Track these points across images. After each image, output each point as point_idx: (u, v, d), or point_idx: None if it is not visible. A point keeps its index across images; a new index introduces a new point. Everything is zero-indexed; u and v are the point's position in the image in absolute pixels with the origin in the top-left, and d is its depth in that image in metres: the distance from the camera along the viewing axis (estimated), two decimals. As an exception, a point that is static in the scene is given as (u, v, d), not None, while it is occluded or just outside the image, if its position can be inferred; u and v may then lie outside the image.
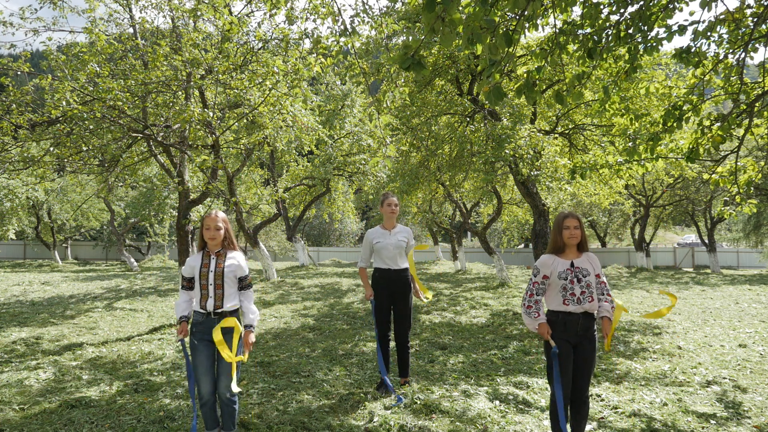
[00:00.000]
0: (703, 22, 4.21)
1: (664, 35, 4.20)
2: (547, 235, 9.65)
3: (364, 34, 7.36)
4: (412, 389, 4.53)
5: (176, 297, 10.71)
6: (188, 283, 3.38)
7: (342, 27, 5.66)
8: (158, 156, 8.53)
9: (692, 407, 4.22)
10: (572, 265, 3.28)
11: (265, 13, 7.05)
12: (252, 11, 7.95)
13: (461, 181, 13.04)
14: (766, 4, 4.10)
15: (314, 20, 6.31)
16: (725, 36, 4.56)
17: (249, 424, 3.78)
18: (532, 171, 8.68)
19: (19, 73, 6.69)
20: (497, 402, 4.31)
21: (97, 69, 6.62)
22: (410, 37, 7.59)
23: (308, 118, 8.77)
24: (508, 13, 3.39)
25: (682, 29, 4.19)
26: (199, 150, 8.45)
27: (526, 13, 2.77)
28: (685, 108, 4.64)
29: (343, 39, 5.72)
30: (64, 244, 27.32)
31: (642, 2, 3.91)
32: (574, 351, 3.28)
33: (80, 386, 4.73)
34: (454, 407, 4.13)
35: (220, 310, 3.32)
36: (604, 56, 4.11)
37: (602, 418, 4.01)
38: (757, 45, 4.29)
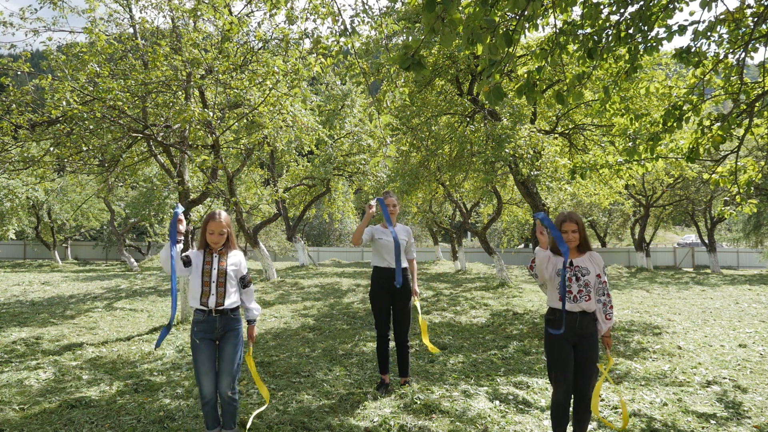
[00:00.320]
0: (703, 22, 4.21)
1: (664, 35, 4.20)
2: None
3: (364, 34, 7.36)
4: (412, 389, 4.53)
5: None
6: (185, 259, 3.36)
7: (342, 27, 5.66)
8: (158, 156, 8.53)
9: (692, 407, 4.22)
10: (571, 264, 3.28)
11: (265, 13, 7.05)
12: (252, 11, 7.95)
13: (461, 181, 13.04)
14: (766, 4, 4.10)
15: (314, 20, 6.32)
16: (725, 36, 4.56)
17: (249, 424, 3.78)
18: (532, 171, 8.68)
19: (19, 73, 6.69)
20: (497, 402, 4.31)
21: (97, 69, 6.62)
22: (410, 37, 7.60)
23: (308, 118, 8.77)
24: (508, 13, 3.39)
25: (682, 29, 4.19)
26: (199, 150, 8.45)
27: (526, 13, 2.77)
28: (685, 108, 4.63)
29: (343, 39, 5.72)
30: (64, 244, 27.32)
31: (642, 2, 3.91)
32: (574, 350, 3.28)
33: (80, 386, 4.73)
34: (454, 407, 4.13)
35: (221, 308, 3.33)
36: (605, 56, 4.11)
37: (602, 418, 4.01)
38: (757, 45, 4.29)
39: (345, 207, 18.57)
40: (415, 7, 8.10)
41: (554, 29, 3.89)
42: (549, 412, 4.06)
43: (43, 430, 3.73)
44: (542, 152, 8.99)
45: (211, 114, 6.86)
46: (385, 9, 8.39)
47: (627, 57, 4.36)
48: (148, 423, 3.85)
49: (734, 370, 5.38)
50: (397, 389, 4.59)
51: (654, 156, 5.06)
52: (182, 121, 6.62)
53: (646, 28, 4.00)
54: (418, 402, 4.22)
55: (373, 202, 4.49)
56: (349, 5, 6.32)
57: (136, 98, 6.86)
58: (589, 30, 4.04)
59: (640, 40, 4.17)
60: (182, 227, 3.35)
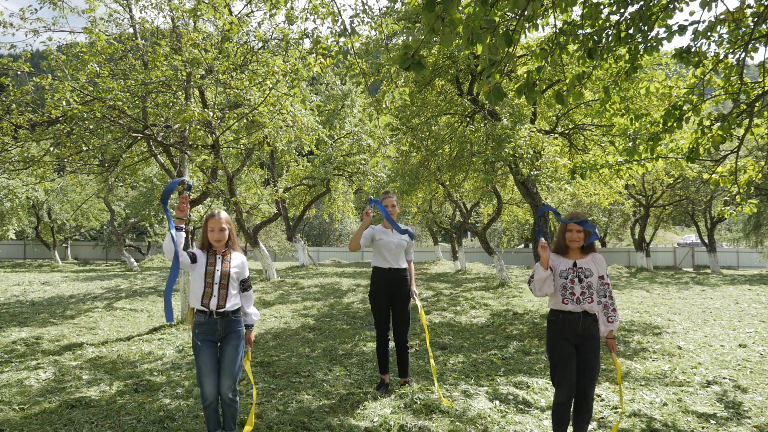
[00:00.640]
0: (703, 22, 4.21)
1: (664, 35, 4.20)
2: (547, 235, 9.66)
3: (364, 35, 7.37)
4: (411, 389, 4.53)
5: (176, 297, 10.70)
6: (191, 255, 3.36)
7: (342, 27, 5.66)
8: (158, 156, 8.53)
9: (692, 407, 4.22)
10: (575, 264, 3.28)
11: (265, 13, 7.05)
12: (252, 11, 7.95)
13: (461, 181, 13.04)
14: (766, 4, 4.10)
15: (314, 20, 6.32)
16: (725, 36, 4.56)
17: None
18: (532, 171, 8.68)
19: (19, 73, 6.69)
20: (497, 402, 4.31)
21: (97, 69, 6.62)
22: (410, 37, 7.59)
23: (308, 118, 8.77)
24: (508, 13, 3.39)
25: (682, 29, 4.19)
26: (199, 150, 8.45)
27: (526, 13, 2.77)
28: (685, 108, 4.63)
29: (342, 39, 5.72)
30: (64, 244, 27.31)
31: (642, 2, 3.91)
32: (576, 351, 3.28)
33: (80, 386, 4.73)
34: (454, 407, 4.13)
35: (222, 310, 3.33)
36: (605, 56, 4.11)
37: (602, 418, 4.01)
38: (757, 45, 4.29)
39: (345, 207, 18.57)
40: (415, 7, 8.10)
41: (554, 29, 3.89)
42: (549, 412, 4.06)
43: (43, 430, 3.73)
44: (542, 152, 8.99)
45: (211, 114, 6.86)
46: (385, 9, 8.39)
47: (627, 57, 4.36)
48: (148, 423, 3.85)
49: (734, 370, 5.38)
50: (397, 389, 4.59)
51: (654, 156, 5.06)
52: (182, 121, 6.62)
53: (646, 28, 4.00)
54: (418, 402, 4.22)
55: (369, 207, 4.42)
56: (349, 5, 6.33)
57: (136, 98, 6.86)
58: (589, 30, 4.04)
59: (640, 40, 4.17)
60: (184, 208, 3.29)
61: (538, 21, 3.92)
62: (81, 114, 6.31)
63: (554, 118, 12.43)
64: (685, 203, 21.59)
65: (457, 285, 13.18)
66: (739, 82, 4.46)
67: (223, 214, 3.41)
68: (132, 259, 20.72)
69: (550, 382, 3.36)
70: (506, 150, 8.37)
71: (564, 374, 3.23)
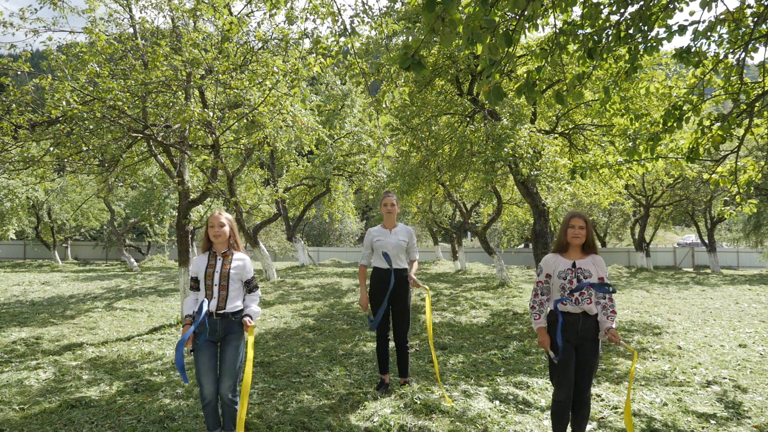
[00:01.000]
0: (703, 22, 4.21)
1: (664, 35, 4.20)
2: (547, 235, 9.66)
3: (364, 35, 7.37)
4: (411, 389, 4.53)
5: (176, 297, 10.72)
6: (195, 283, 3.39)
7: (342, 27, 5.66)
8: (158, 156, 8.53)
9: (692, 407, 4.22)
10: (574, 265, 3.27)
11: (265, 13, 7.05)
12: (252, 11, 7.95)
13: (461, 181, 13.04)
14: (766, 4, 4.10)
15: (314, 20, 6.31)
16: (725, 36, 4.56)
17: (249, 424, 3.78)
18: (532, 171, 8.68)
19: (19, 73, 6.69)
20: (497, 402, 4.31)
21: (97, 69, 6.61)
22: (410, 37, 7.60)
23: (308, 118, 8.77)
24: (508, 13, 3.39)
25: (682, 29, 4.19)
26: (199, 150, 8.45)
27: (526, 13, 2.77)
28: (685, 108, 4.63)
29: (342, 39, 5.72)
30: (64, 244, 27.31)
31: (642, 2, 3.91)
32: (575, 352, 3.27)
33: (80, 386, 4.73)
34: (454, 407, 4.13)
35: (222, 312, 3.32)
36: (605, 56, 4.11)
37: (602, 418, 4.01)
38: (757, 45, 4.29)
39: (345, 207, 18.57)
40: (415, 7, 8.10)
41: (554, 29, 3.89)
42: (549, 412, 4.06)
43: (43, 430, 3.73)
44: (542, 152, 8.99)
45: (211, 114, 6.86)
46: (385, 9, 8.39)
47: (627, 57, 4.36)
48: (148, 423, 3.85)
49: (734, 370, 5.38)
50: (397, 389, 4.59)
51: (654, 156, 5.06)
52: (182, 121, 6.62)
53: (646, 28, 4.00)
54: (418, 402, 4.22)
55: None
56: (349, 5, 6.32)
57: (136, 98, 6.86)
58: (589, 30, 4.04)
59: (640, 40, 4.17)
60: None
61: (538, 21, 3.92)
62: (81, 114, 6.30)
63: (554, 118, 12.43)
64: (685, 203, 21.59)
65: (457, 285, 13.18)
66: (739, 82, 4.46)
67: (225, 213, 3.43)
68: (132, 259, 20.73)
69: (550, 382, 3.36)
70: (506, 150, 8.37)
71: (563, 374, 3.23)
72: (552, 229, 10.45)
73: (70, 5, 7.52)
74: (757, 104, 4.50)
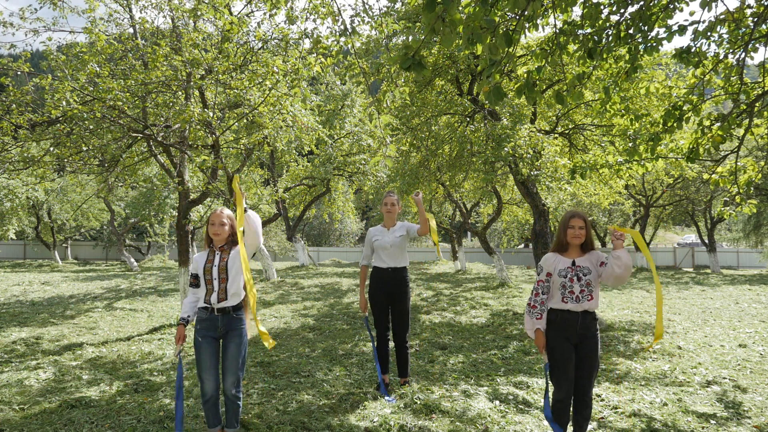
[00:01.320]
0: (703, 22, 4.21)
1: (665, 35, 4.20)
2: (547, 235, 9.66)
3: (364, 34, 7.36)
4: (411, 389, 4.53)
5: (176, 297, 10.71)
6: (194, 280, 3.39)
7: (342, 27, 5.65)
8: (158, 156, 8.53)
9: (692, 407, 4.22)
10: (573, 263, 3.27)
11: (265, 13, 7.05)
12: (252, 11, 7.94)
13: (461, 181, 13.03)
14: (766, 4, 4.10)
15: (314, 20, 6.31)
16: (725, 36, 4.56)
17: (249, 424, 3.78)
18: (532, 171, 8.67)
19: (19, 73, 6.69)
20: (497, 402, 4.31)
21: (97, 69, 6.61)
22: (410, 37, 7.58)
23: (308, 118, 8.76)
24: (508, 13, 3.39)
25: (682, 29, 4.19)
26: (199, 150, 8.45)
27: (526, 13, 2.77)
28: (685, 108, 4.63)
29: (343, 39, 5.72)
30: (64, 244, 27.31)
31: (642, 2, 3.90)
32: (575, 350, 3.28)
33: (80, 386, 4.73)
34: (454, 407, 4.13)
35: (223, 305, 3.33)
36: (605, 56, 4.10)
37: (602, 418, 4.01)
38: (757, 45, 4.28)
39: (345, 207, 18.57)
40: (415, 7, 8.10)
41: (554, 29, 3.88)
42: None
43: (43, 430, 3.73)
44: (542, 152, 8.99)
45: (211, 114, 6.86)
46: (385, 9, 8.39)
47: (627, 57, 4.36)
48: (148, 423, 3.85)
49: (734, 370, 5.38)
50: (397, 389, 4.59)
51: (654, 156, 5.06)
52: (182, 121, 6.62)
53: (646, 28, 4.00)
54: (418, 402, 4.22)
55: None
56: (349, 5, 6.32)
57: (136, 98, 6.85)
58: (589, 30, 4.03)
59: (640, 40, 4.17)
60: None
61: (538, 21, 3.92)
62: (81, 114, 6.30)
63: (554, 118, 12.42)
64: (685, 203, 21.58)
65: (457, 285, 13.18)
66: (739, 82, 4.46)
67: (226, 211, 3.42)
68: (132, 259, 20.72)
69: (550, 382, 3.36)
70: (506, 150, 8.36)
71: (563, 373, 3.23)
72: (552, 229, 10.45)
73: (70, 5, 7.51)
74: (757, 104, 4.50)
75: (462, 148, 9.91)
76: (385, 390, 4.49)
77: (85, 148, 7.69)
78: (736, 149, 5.03)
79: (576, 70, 5.54)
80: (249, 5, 7.60)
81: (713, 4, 3.75)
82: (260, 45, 7.32)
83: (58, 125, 6.99)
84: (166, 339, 6.83)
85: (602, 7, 3.95)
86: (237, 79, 7.03)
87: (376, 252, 4.63)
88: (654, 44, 4.22)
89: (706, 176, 5.72)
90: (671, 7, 4.04)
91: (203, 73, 7.05)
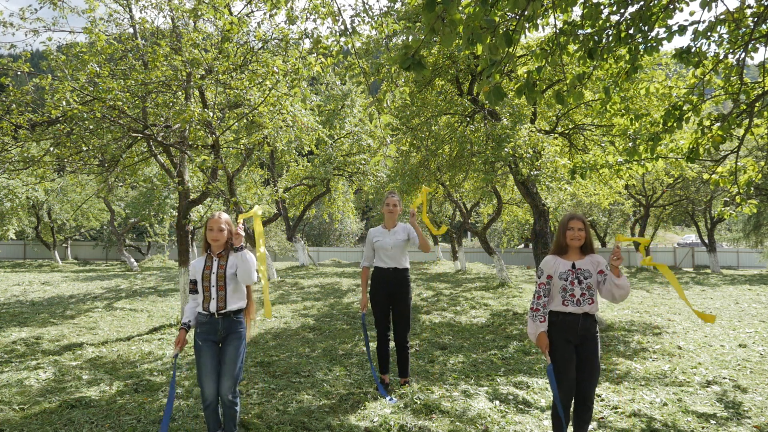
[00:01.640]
0: (703, 22, 4.21)
1: (665, 35, 4.20)
2: (547, 235, 9.66)
3: (364, 34, 7.36)
4: (412, 389, 4.53)
5: (176, 297, 10.72)
6: (193, 286, 3.39)
7: (342, 27, 5.65)
8: (158, 156, 8.53)
9: (692, 407, 4.22)
10: (573, 266, 3.27)
11: (265, 13, 7.05)
12: (252, 11, 7.95)
13: (461, 181, 13.03)
14: (766, 4, 4.10)
15: (314, 20, 6.31)
16: (725, 36, 4.55)
17: (249, 424, 3.78)
18: (532, 171, 8.67)
19: (19, 73, 6.69)
20: (497, 402, 4.31)
21: (97, 69, 6.61)
22: (410, 37, 7.58)
23: (308, 118, 8.77)
24: (508, 13, 3.39)
25: (682, 29, 4.19)
26: (199, 150, 8.45)
27: (526, 13, 2.77)
28: (685, 108, 4.63)
29: (343, 39, 5.71)
30: (64, 244, 27.31)
31: (642, 2, 3.90)
32: (576, 352, 3.27)
33: (80, 386, 4.73)
34: (454, 407, 4.13)
35: (223, 311, 3.32)
36: (605, 56, 4.10)
37: (602, 418, 4.01)
38: (757, 45, 4.28)
39: (345, 207, 18.57)
40: (415, 7, 8.10)
41: (554, 29, 3.88)
42: (549, 412, 4.06)
43: (43, 430, 3.73)
44: (542, 152, 8.99)
45: (211, 114, 6.86)
46: (385, 9, 8.39)
47: (627, 57, 4.36)
48: (148, 423, 3.85)
49: (734, 370, 5.38)
50: (397, 389, 4.59)
51: (654, 156, 5.06)
52: (182, 121, 6.62)
53: (646, 28, 4.00)
54: (418, 402, 4.22)
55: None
56: (349, 5, 6.32)
57: (136, 98, 6.85)
58: (589, 30, 4.03)
59: (640, 40, 4.17)
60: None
61: (538, 21, 3.92)
62: (81, 114, 6.30)
63: (554, 118, 12.43)
64: (685, 203, 21.59)
65: (457, 285, 13.18)
66: (739, 82, 4.46)
67: (224, 215, 3.40)
68: (132, 259, 20.72)
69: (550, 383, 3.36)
70: (506, 150, 8.36)
71: (564, 373, 3.23)
72: (552, 229, 10.45)
73: (70, 5, 7.51)
74: (757, 104, 4.50)
75: (462, 148, 9.91)
76: (384, 390, 4.49)
77: (85, 148, 7.70)
78: (736, 149, 5.03)
79: (576, 70, 5.54)
80: (249, 5, 7.60)
81: (713, 4, 3.75)
82: (260, 45, 7.32)
83: (58, 125, 6.99)
84: (166, 339, 6.83)
85: (602, 7, 3.95)
86: (237, 79, 7.03)
87: (377, 252, 4.64)
88: (654, 44, 4.21)
89: (706, 176, 5.72)
90: (671, 7, 4.04)
91: (203, 73, 7.06)
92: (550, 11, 3.92)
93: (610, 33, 3.96)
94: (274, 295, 11.00)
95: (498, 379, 4.94)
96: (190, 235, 7.98)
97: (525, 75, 3.42)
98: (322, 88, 16.51)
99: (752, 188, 5.22)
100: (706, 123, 4.67)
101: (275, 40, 7.25)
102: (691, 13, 4.48)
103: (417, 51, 2.57)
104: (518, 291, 11.50)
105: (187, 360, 5.67)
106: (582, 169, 5.95)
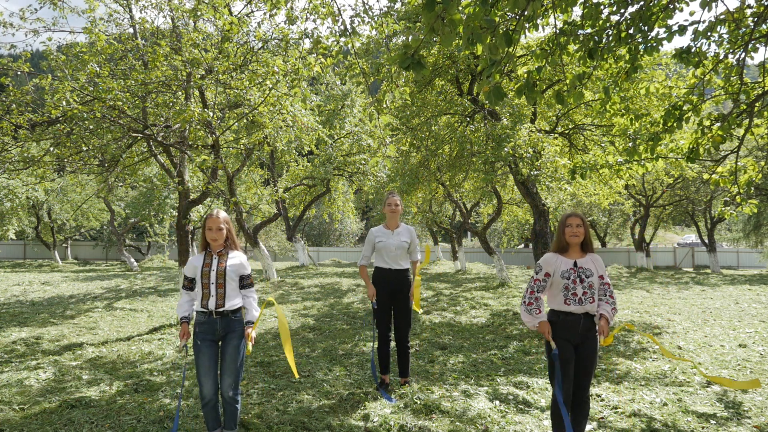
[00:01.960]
0: (703, 22, 4.22)
1: (665, 35, 4.20)
2: (547, 235, 9.66)
3: (364, 34, 7.36)
4: (412, 389, 4.53)
5: (176, 297, 10.72)
6: (189, 283, 3.40)
7: (342, 27, 5.65)
8: (158, 156, 8.53)
9: (692, 407, 4.22)
10: (575, 264, 3.27)
11: (265, 13, 7.05)
12: (252, 11, 7.95)
13: (461, 181, 13.04)
14: (766, 4, 4.10)
15: (314, 20, 6.31)
16: (725, 36, 4.56)
17: (249, 424, 3.78)
18: (532, 171, 8.68)
19: (19, 73, 6.69)
20: (497, 402, 4.31)
21: (97, 69, 6.62)
22: (410, 37, 7.59)
23: (308, 118, 8.77)
24: (508, 13, 3.39)
25: (682, 29, 4.19)
26: (199, 150, 8.45)
27: (526, 13, 2.77)
28: (685, 108, 4.64)
29: (343, 39, 5.72)
30: (64, 244, 27.32)
31: (642, 2, 3.91)
32: (575, 351, 3.28)
33: (80, 386, 4.73)
34: (454, 407, 4.13)
35: (222, 309, 3.33)
36: (605, 56, 4.11)
37: (602, 418, 4.01)
38: (757, 45, 4.29)
39: (345, 207, 18.57)
40: (415, 7, 8.11)
41: (554, 29, 3.89)
42: (549, 412, 4.06)
43: (43, 430, 3.73)
44: (542, 152, 8.99)
45: (211, 114, 6.86)
46: (385, 9, 8.39)
47: (627, 57, 4.36)
48: (148, 423, 3.85)
49: (734, 370, 5.38)
50: (397, 389, 4.59)
51: (654, 156, 5.07)
52: (182, 121, 6.62)
53: (646, 28, 4.00)
54: (418, 402, 4.22)
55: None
56: (349, 5, 6.33)
57: (136, 98, 6.86)
58: (589, 30, 4.04)
59: (640, 40, 4.17)
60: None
61: (538, 21, 3.92)
62: (81, 114, 6.31)
63: (554, 118, 12.44)
64: (685, 203, 21.59)
65: (457, 285, 13.18)
66: (739, 82, 4.46)
67: (222, 214, 3.40)
68: (132, 259, 20.73)
69: (550, 382, 3.36)
70: (506, 150, 8.37)
71: (565, 375, 3.23)
72: (552, 229, 10.45)
73: (70, 5, 7.52)
74: (757, 104, 4.50)
75: (462, 148, 9.91)
76: (384, 391, 4.49)
77: (85, 148, 7.70)
78: (736, 149, 5.03)
79: (576, 70, 5.55)
80: (249, 5, 7.61)
81: (713, 4, 3.75)
82: (260, 45, 7.32)
83: (58, 125, 7.00)
84: (166, 339, 6.83)
85: (602, 7, 3.96)
86: (237, 79, 7.04)
87: (378, 253, 4.63)
88: (654, 44, 4.22)
89: (706, 176, 5.72)
90: (671, 7, 4.04)
91: (203, 73, 7.06)
92: (550, 11, 3.92)
93: (610, 33, 3.96)
94: (273, 295, 11.00)
95: (498, 379, 4.94)
96: (190, 235, 7.98)
97: (525, 75, 3.42)
98: (322, 88, 16.51)
99: (752, 188, 5.22)
100: (706, 123, 4.67)
101: (275, 40, 7.25)
102: (691, 13, 4.48)
103: (417, 51, 2.57)
104: (518, 291, 11.50)
105: (187, 360, 5.67)
106: (582, 169, 5.96)
